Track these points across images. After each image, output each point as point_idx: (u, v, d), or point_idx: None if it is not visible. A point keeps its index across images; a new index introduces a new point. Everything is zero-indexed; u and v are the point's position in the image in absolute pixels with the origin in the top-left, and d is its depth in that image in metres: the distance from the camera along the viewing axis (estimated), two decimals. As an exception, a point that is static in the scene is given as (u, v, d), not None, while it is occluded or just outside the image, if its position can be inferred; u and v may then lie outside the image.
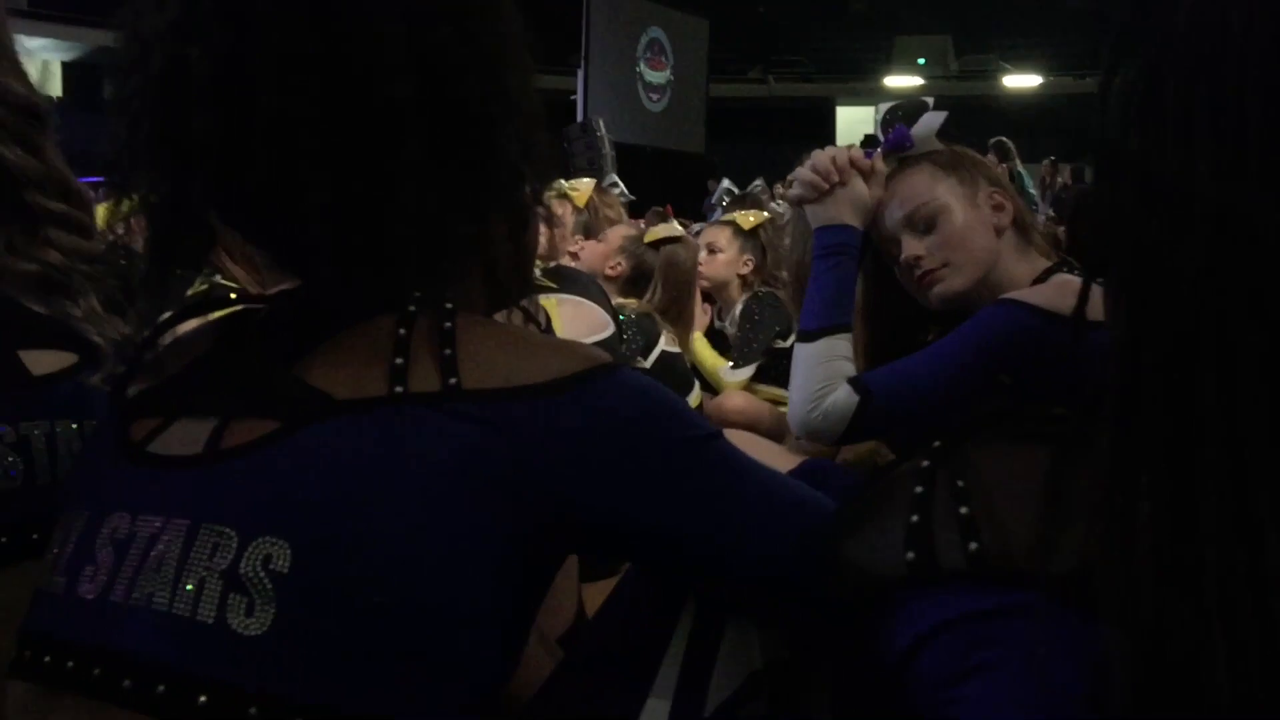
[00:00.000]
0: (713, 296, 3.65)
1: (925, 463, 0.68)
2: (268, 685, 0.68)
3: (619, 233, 3.42)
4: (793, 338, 3.04)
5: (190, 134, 0.75)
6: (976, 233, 1.67)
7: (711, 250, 3.52)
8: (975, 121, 14.86)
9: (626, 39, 14.76)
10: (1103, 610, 0.56)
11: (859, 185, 1.72)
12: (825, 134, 20.03)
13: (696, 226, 4.99)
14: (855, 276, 1.72)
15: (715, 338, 3.47)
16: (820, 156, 1.74)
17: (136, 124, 0.78)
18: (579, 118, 11.74)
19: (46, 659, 0.74)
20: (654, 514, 0.78)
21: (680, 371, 3.02)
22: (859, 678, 0.78)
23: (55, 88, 14.95)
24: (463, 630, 0.72)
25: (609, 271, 3.24)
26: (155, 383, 0.84)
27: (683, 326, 3.24)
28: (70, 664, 0.73)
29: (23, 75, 1.09)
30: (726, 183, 7.71)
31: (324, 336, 0.78)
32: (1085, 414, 0.62)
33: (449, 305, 0.78)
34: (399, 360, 0.75)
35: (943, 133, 1.77)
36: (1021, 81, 19.01)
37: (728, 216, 3.67)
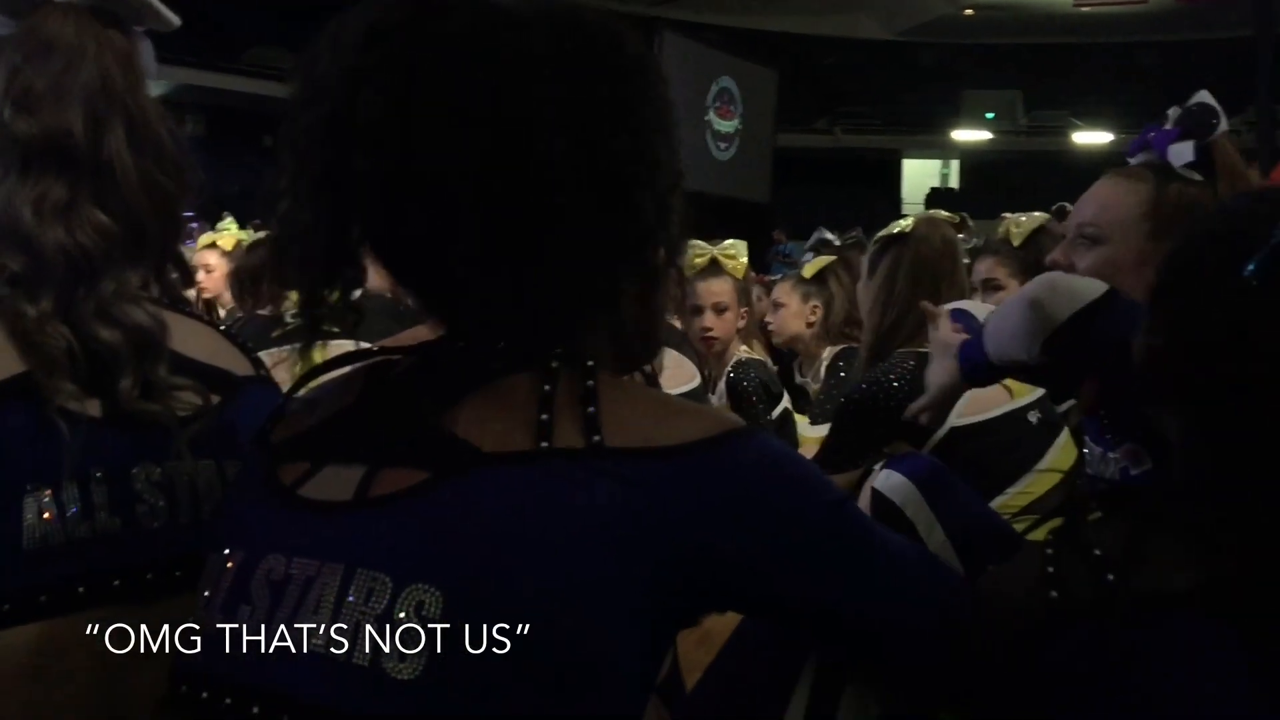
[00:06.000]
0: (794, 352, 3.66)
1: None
2: None
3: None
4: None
5: (352, 174, 0.78)
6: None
7: (776, 305, 3.56)
8: (1045, 178, 14.74)
9: (697, 88, 14.89)
10: None
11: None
12: (890, 186, 19.98)
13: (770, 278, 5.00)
14: None
15: (795, 392, 3.46)
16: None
17: (303, 162, 0.81)
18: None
19: (204, 695, 0.77)
20: (789, 569, 0.80)
21: (790, 435, 3.06)
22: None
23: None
24: (602, 679, 0.75)
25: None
26: (302, 429, 0.87)
27: None
28: (228, 700, 0.76)
29: None
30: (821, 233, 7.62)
31: (468, 390, 0.81)
32: None
33: (589, 363, 0.80)
34: (544, 416, 0.77)
35: None
36: (1092, 138, 18.79)
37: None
